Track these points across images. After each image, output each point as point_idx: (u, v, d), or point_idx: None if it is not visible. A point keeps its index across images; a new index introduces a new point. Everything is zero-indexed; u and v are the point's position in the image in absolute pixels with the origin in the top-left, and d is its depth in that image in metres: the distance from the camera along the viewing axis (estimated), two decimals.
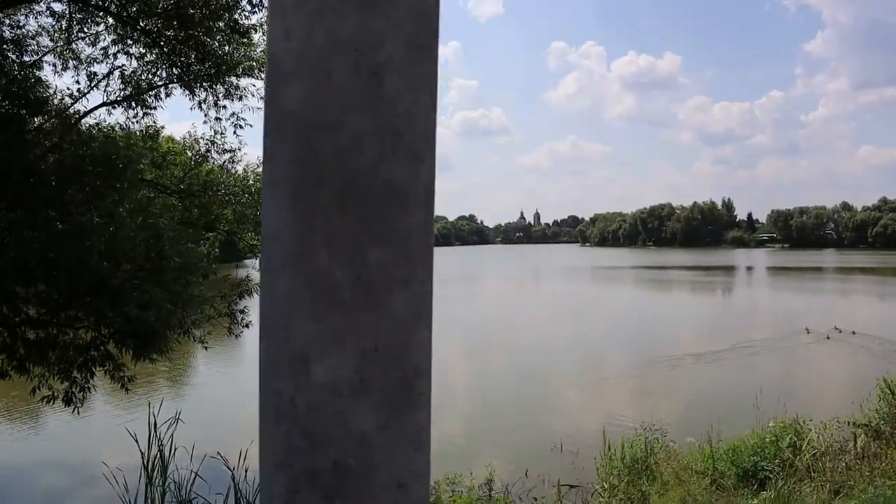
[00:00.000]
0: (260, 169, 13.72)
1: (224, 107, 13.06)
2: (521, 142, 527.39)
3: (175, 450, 11.65)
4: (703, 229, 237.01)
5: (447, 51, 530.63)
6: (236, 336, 11.59)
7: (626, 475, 10.67)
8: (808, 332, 32.38)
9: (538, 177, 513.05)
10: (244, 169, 15.08)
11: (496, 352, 31.58)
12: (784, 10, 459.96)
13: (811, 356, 28.31)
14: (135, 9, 11.72)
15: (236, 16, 11.95)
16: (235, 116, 13.24)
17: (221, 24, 11.87)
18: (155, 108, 13.15)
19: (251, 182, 14.52)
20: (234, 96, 13.53)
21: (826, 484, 9.94)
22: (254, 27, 12.54)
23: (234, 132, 13.48)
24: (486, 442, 16.76)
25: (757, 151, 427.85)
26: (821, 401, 15.34)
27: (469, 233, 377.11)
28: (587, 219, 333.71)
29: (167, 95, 13.73)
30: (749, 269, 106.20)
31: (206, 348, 11.16)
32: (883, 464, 10.17)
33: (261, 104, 13.62)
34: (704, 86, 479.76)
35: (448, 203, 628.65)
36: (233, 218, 14.96)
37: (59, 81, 12.40)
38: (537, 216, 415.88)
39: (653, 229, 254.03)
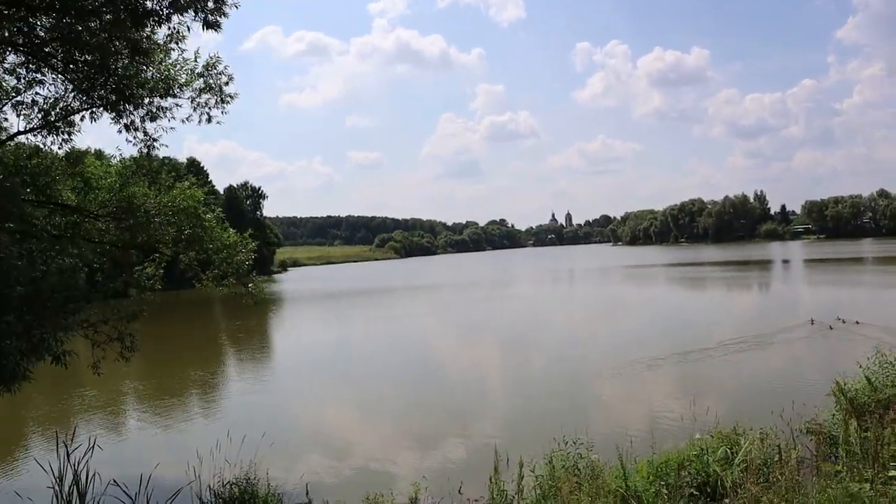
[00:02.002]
0: (191, 189, 13.51)
1: (137, 129, 12.89)
2: (550, 143, 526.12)
3: (92, 476, 11.42)
4: (736, 223, 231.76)
5: (471, 58, 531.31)
6: (126, 360, 11.35)
7: (536, 493, 10.13)
8: (813, 324, 31.21)
9: (568, 178, 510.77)
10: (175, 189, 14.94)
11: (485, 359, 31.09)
12: None
13: (797, 350, 27.06)
14: (37, 36, 11.61)
15: (136, 35, 11.74)
16: (149, 137, 13.04)
17: (122, 45, 11.66)
18: (70, 132, 13.05)
19: (179, 201, 14.33)
20: (158, 116, 13.44)
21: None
22: (162, 45, 12.44)
23: (148, 153, 13.26)
24: (427, 457, 16.27)
25: (791, 142, 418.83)
26: (778, 402, 14.40)
27: (500, 237, 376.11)
28: (619, 217, 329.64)
29: (93, 120, 13.64)
30: (785, 262, 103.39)
31: (98, 374, 10.95)
32: (800, 476, 9.40)
33: (173, 123, 13.54)
34: (734, 78, 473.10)
35: (478, 208, 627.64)
36: (170, 239, 14.82)
37: None
38: (568, 217, 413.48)
39: (684, 225, 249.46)
